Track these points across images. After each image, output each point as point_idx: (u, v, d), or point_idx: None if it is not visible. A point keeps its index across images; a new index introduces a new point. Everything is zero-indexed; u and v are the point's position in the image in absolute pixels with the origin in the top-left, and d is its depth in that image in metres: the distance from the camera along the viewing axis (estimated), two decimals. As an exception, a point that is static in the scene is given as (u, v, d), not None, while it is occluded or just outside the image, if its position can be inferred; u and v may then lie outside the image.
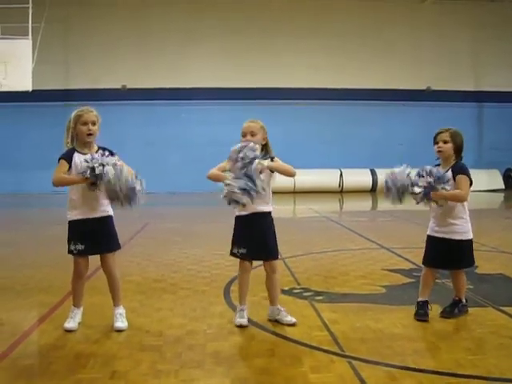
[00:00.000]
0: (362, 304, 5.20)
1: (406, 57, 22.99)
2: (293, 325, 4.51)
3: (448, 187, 4.46)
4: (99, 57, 21.99)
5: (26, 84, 17.76)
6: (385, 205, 18.07)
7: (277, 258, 4.68)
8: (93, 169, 4.18)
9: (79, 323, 4.52)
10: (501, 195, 21.01)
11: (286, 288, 5.71)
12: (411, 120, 22.23)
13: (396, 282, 6.10)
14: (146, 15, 22.29)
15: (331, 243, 9.07)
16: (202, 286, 6.02)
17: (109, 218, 4.55)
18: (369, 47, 22.80)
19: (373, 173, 22.07)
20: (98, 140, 4.54)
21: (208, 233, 10.35)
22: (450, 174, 4.59)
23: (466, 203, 4.65)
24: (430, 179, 4.45)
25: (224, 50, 22.41)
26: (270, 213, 4.62)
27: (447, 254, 4.69)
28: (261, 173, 4.29)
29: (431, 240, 4.76)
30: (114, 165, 4.22)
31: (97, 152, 4.45)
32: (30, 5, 17.71)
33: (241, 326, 4.48)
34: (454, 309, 4.76)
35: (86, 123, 4.41)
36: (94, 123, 4.45)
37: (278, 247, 4.68)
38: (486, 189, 20.82)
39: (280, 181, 4.76)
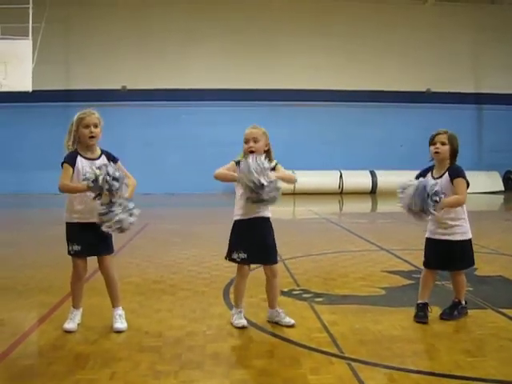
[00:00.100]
0: (362, 306, 5.20)
1: (407, 58, 23.01)
2: (291, 326, 4.51)
3: (442, 195, 4.45)
4: (100, 57, 22.00)
5: (26, 84, 17.78)
6: (385, 206, 18.11)
7: (277, 262, 4.69)
8: (96, 181, 4.17)
9: (79, 324, 4.52)
10: (500, 197, 21.01)
11: (286, 289, 5.72)
12: (411, 122, 22.25)
13: (395, 284, 6.10)
14: (147, 15, 22.30)
15: (331, 245, 9.07)
16: (202, 287, 6.02)
17: None
18: (369, 49, 22.82)
19: (373, 174, 22.08)
20: (99, 143, 4.53)
21: (207, 234, 10.35)
22: (445, 179, 4.60)
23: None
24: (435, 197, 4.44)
25: (224, 51, 22.43)
26: (269, 218, 4.63)
27: (449, 255, 4.69)
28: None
29: (432, 242, 4.75)
30: (120, 180, 4.22)
31: (100, 156, 4.46)
32: (31, 5, 17.73)
33: (242, 327, 4.49)
34: (454, 311, 4.76)
35: (88, 126, 4.41)
36: (96, 126, 4.44)
37: (278, 249, 4.69)
38: (485, 191, 20.84)
39: (279, 182, 4.76)
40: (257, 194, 4.26)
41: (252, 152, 4.47)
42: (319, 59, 22.54)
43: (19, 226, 12.17)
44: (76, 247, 4.44)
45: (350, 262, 7.45)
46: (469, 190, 4.65)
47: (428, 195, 4.36)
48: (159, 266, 7.22)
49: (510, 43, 23.19)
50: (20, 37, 17.62)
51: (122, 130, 19.98)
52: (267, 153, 4.58)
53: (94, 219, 4.38)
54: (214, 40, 22.25)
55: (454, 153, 4.72)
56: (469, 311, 4.86)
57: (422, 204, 4.37)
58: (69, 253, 4.49)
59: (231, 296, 5.34)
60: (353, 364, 3.73)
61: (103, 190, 4.18)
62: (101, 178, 4.16)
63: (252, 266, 4.66)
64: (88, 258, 4.56)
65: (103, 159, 4.49)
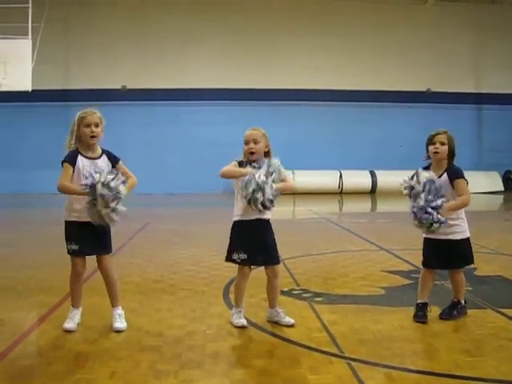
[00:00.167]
0: (362, 305, 5.20)
1: (407, 58, 23.02)
2: (291, 326, 4.52)
3: (444, 198, 4.46)
4: (99, 57, 22.00)
5: (25, 84, 17.77)
6: (384, 206, 18.12)
7: (279, 262, 4.69)
8: (94, 188, 4.18)
9: (78, 324, 4.52)
10: (500, 197, 21.02)
11: (286, 289, 5.72)
12: (411, 121, 22.25)
13: (395, 284, 6.10)
14: (146, 15, 22.30)
15: (331, 244, 9.08)
16: (202, 286, 6.02)
17: None
18: (369, 48, 22.83)
19: (372, 174, 22.08)
20: (100, 142, 4.54)
21: (207, 233, 10.35)
22: (444, 180, 4.60)
23: None
24: (433, 204, 4.46)
25: (224, 51, 22.43)
26: (269, 220, 4.64)
27: (450, 255, 4.71)
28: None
29: (432, 242, 4.74)
30: (113, 189, 4.23)
31: (101, 156, 4.46)
32: (30, 5, 17.72)
33: (242, 327, 4.49)
34: (453, 310, 4.76)
35: (89, 125, 4.41)
36: (97, 125, 4.44)
37: (278, 248, 4.69)
38: (485, 191, 20.84)
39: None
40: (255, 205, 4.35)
41: (252, 153, 4.48)
42: (319, 59, 22.54)
43: (19, 226, 12.17)
44: (74, 246, 4.44)
45: (349, 262, 7.45)
46: (468, 190, 4.67)
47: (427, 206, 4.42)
48: (159, 266, 7.22)
49: (510, 43, 23.20)
50: (19, 36, 17.61)
51: (121, 130, 19.96)
52: (267, 154, 4.58)
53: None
54: (214, 40, 22.25)
55: (451, 153, 4.72)
56: (468, 311, 4.86)
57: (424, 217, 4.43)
58: (68, 252, 4.50)
59: (231, 295, 5.34)
60: (352, 364, 3.73)
61: (97, 197, 4.18)
62: (98, 187, 4.16)
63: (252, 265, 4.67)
64: (88, 258, 4.56)
65: (104, 159, 4.49)
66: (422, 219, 4.46)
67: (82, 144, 4.45)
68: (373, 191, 22.04)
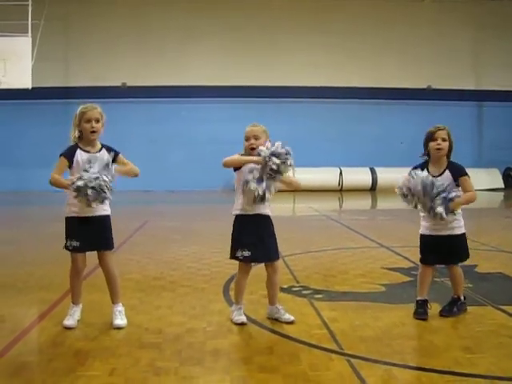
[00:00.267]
0: (362, 302, 5.20)
1: (407, 55, 22.99)
2: (291, 323, 4.51)
3: (458, 192, 4.46)
4: (99, 54, 21.97)
5: (25, 81, 17.76)
6: (384, 203, 18.11)
7: (279, 258, 4.70)
8: (78, 188, 4.21)
9: (78, 320, 4.52)
10: (500, 194, 21.01)
11: (285, 286, 5.72)
12: (411, 118, 22.20)
13: (395, 281, 6.10)
14: (146, 13, 22.27)
15: (331, 242, 9.07)
16: (202, 283, 6.02)
17: (106, 217, 4.56)
18: (369, 46, 22.80)
19: (373, 171, 22.07)
20: (100, 138, 4.54)
21: (207, 231, 10.35)
22: (447, 177, 4.59)
23: None
24: (444, 194, 4.44)
25: (224, 48, 22.40)
26: (269, 216, 4.64)
27: (449, 250, 4.72)
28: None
29: (430, 238, 4.73)
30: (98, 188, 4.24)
31: (100, 150, 4.47)
32: (30, 2, 17.71)
33: (242, 324, 4.49)
34: (453, 307, 4.76)
35: (89, 120, 4.42)
36: (97, 120, 4.45)
37: (278, 245, 4.69)
38: (485, 188, 20.82)
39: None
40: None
41: (253, 149, 4.48)
42: (319, 56, 22.52)
43: (19, 224, 12.17)
44: (75, 243, 4.44)
45: (349, 259, 7.45)
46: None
47: (438, 194, 4.39)
48: (159, 263, 7.22)
49: (510, 40, 23.16)
50: (19, 34, 17.60)
51: (121, 127, 19.92)
52: None
53: (92, 213, 4.42)
54: (214, 37, 22.22)
55: (451, 149, 4.72)
56: (468, 308, 4.86)
57: (430, 204, 4.39)
58: (67, 248, 4.49)
59: (231, 293, 5.34)
60: (352, 360, 3.73)
61: (82, 196, 4.23)
62: (82, 188, 4.20)
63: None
64: (88, 254, 4.56)
65: (104, 152, 4.49)
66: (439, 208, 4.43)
67: (83, 139, 4.46)
68: (373, 188, 22.04)
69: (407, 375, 3.55)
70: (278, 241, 4.67)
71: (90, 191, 4.19)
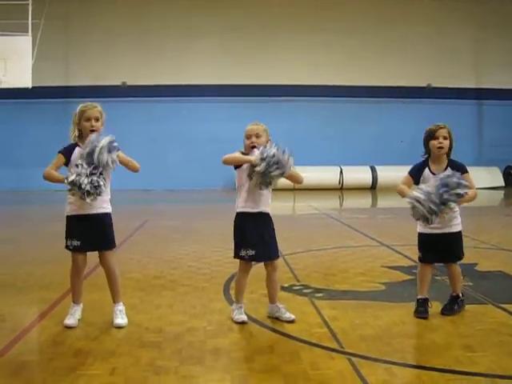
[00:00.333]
0: (362, 301, 5.20)
1: (407, 54, 22.97)
2: (292, 321, 4.51)
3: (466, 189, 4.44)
4: (99, 53, 21.97)
5: (25, 81, 17.76)
6: (385, 202, 18.11)
7: (278, 257, 4.70)
8: (72, 182, 4.22)
9: (79, 320, 4.52)
10: (501, 192, 21.00)
11: (286, 285, 5.72)
12: (412, 117, 22.18)
13: (396, 279, 6.10)
14: (146, 12, 22.26)
15: (331, 240, 9.07)
16: (202, 282, 6.02)
17: (106, 215, 4.55)
18: (369, 44, 22.78)
19: (373, 170, 22.06)
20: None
21: (207, 230, 10.35)
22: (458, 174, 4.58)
23: None
24: (459, 191, 4.41)
25: (224, 47, 22.39)
26: (269, 213, 4.64)
27: (449, 247, 4.74)
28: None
29: (430, 236, 4.72)
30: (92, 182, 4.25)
31: None
32: (30, 1, 17.70)
33: (242, 323, 4.49)
34: (454, 305, 4.76)
35: (89, 119, 4.44)
36: (97, 119, 4.46)
37: (278, 244, 4.69)
38: (486, 186, 20.82)
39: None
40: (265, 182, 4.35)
41: (254, 147, 4.47)
42: (319, 55, 22.50)
43: (19, 223, 12.17)
44: (75, 242, 4.44)
45: (350, 258, 7.45)
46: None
47: (451, 188, 4.36)
48: (159, 262, 7.22)
49: (511, 39, 23.14)
50: (19, 33, 17.60)
51: (121, 126, 19.81)
52: None
53: (92, 210, 4.43)
54: (214, 36, 22.21)
55: (451, 148, 4.72)
56: (469, 306, 4.87)
57: (440, 199, 4.35)
58: (67, 248, 4.49)
59: (232, 291, 5.34)
60: (353, 359, 3.73)
61: (76, 191, 4.25)
62: (76, 182, 4.21)
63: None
64: (89, 253, 4.56)
65: None
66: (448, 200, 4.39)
67: (83, 137, 4.46)
68: (373, 187, 22.03)
69: (408, 374, 3.55)
70: (278, 239, 4.67)
71: (84, 185, 4.19)
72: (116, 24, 22.08)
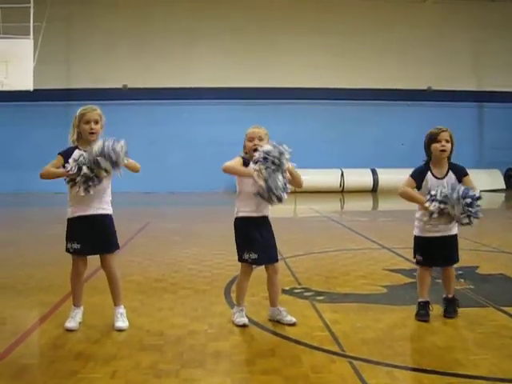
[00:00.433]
0: (363, 304, 5.19)
1: (407, 57, 22.98)
2: (293, 325, 4.51)
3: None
4: (101, 56, 22.00)
5: (27, 83, 17.75)
6: (386, 205, 18.10)
7: (278, 260, 4.69)
8: (79, 168, 4.23)
9: (80, 323, 4.51)
10: (502, 195, 20.99)
11: (287, 288, 5.71)
12: (412, 120, 22.21)
13: (397, 282, 6.09)
14: (148, 14, 22.29)
15: (332, 243, 9.07)
16: (203, 285, 6.02)
17: (107, 216, 4.55)
18: (370, 47, 22.79)
19: (374, 173, 22.06)
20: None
21: (208, 232, 10.35)
22: (451, 178, 4.58)
23: None
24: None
25: (225, 50, 22.41)
26: (268, 217, 4.65)
27: (449, 250, 4.75)
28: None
29: (432, 240, 4.71)
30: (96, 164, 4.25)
31: None
32: (32, 4, 17.70)
33: (243, 326, 4.48)
34: (455, 307, 4.77)
35: (88, 122, 4.44)
36: (96, 122, 4.46)
37: (279, 247, 4.71)
38: (486, 189, 20.78)
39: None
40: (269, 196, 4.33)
41: (256, 150, 4.47)
42: (319, 57, 22.53)
43: (19, 225, 12.17)
44: (76, 245, 4.43)
45: (351, 261, 7.44)
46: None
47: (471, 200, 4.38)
48: (160, 265, 7.22)
49: (511, 41, 23.15)
50: (21, 36, 17.60)
51: (122, 129, 19.74)
52: None
53: (92, 211, 4.43)
54: (215, 39, 22.24)
55: (451, 151, 4.71)
56: (470, 309, 4.88)
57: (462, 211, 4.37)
58: (68, 250, 4.49)
59: (233, 294, 5.34)
60: (354, 362, 3.72)
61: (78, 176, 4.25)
62: (84, 169, 4.22)
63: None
64: (90, 256, 4.55)
65: None
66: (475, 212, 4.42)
67: (82, 140, 4.47)
68: (374, 190, 22.02)
69: (409, 377, 3.54)
70: (279, 242, 4.68)
71: (86, 171, 4.21)
72: (117, 27, 22.12)
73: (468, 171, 4.70)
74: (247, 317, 4.60)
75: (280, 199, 4.34)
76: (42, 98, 20.48)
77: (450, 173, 4.63)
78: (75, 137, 4.47)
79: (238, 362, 3.85)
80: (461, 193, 4.39)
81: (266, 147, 4.33)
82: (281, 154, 4.31)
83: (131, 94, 22.11)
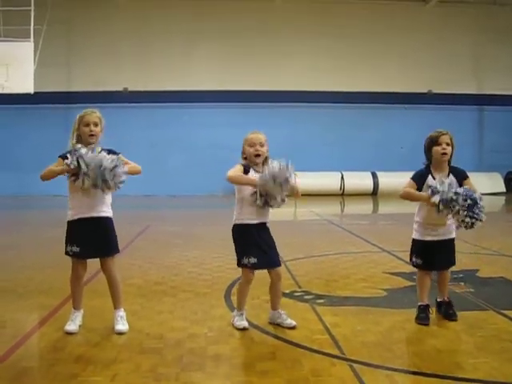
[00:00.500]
0: (363, 307, 5.19)
1: (408, 60, 23.00)
2: (293, 328, 4.51)
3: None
4: (101, 59, 22.02)
5: (27, 86, 17.78)
6: (386, 208, 18.10)
7: (280, 265, 4.68)
8: (77, 161, 4.21)
9: (80, 326, 4.51)
10: (502, 198, 20.99)
11: (287, 291, 5.70)
12: (412, 123, 22.21)
13: (397, 285, 6.09)
14: (148, 17, 22.33)
15: (332, 246, 9.06)
16: (203, 288, 6.01)
17: (107, 219, 4.54)
18: (370, 50, 22.81)
19: (374, 176, 22.06)
20: (101, 142, 4.54)
21: (208, 235, 10.34)
22: (452, 181, 4.58)
23: None
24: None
25: (226, 53, 22.43)
26: (267, 222, 4.65)
27: (448, 253, 4.77)
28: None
29: (430, 244, 4.72)
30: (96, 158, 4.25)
31: (100, 153, 4.47)
32: (32, 7, 17.73)
33: (243, 329, 4.48)
34: (453, 309, 4.77)
35: (88, 124, 4.44)
36: (96, 124, 4.47)
37: (279, 250, 4.69)
38: (487, 192, 20.76)
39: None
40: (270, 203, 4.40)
41: (258, 156, 4.47)
42: (319, 61, 22.54)
43: (19, 228, 12.16)
44: (75, 248, 4.43)
45: (351, 264, 7.44)
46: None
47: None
48: (161, 268, 7.22)
49: (511, 45, 23.17)
50: (21, 39, 17.63)
51: (123, 132, 19.92)
52: (266, 159, 4.58)
53: (92, 214, 4.42)
54: (215, 42, 22.27)
55: (451, 154, 4.72)
56: (470, 312, 4.88)
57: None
58: (67, 253, 4.49)
59: (233, 297, 5.34)
60: (354, 366, 3.72)
61: (81, 171, 4.22)
62: (82, 161, 4.21)
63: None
64: (90, 259, 4.55)
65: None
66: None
67: (83, 143, 4.46)
68: (374, 193, 22.03)
69: (409, 380, 3.54)
70: (279, 245, 4.68)
71: (84, 165, 4.20)
72: (118, 29, 22.15)
73: (469, 175, 4.70)
74: (247, 320, 4.59)
75: (277, 207, 4.43)
76: (43, 100, 20.50)
77: (451, 176, 4.64)
78: (75, 140, 4.47)
79: (238, 365, 3.85)
80: (461, 191, 4.40)
81: (273, 170, 4.32)
82: (286, 180, 4.33)
83: (132, 96, 22.12)
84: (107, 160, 4.25)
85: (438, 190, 4.43)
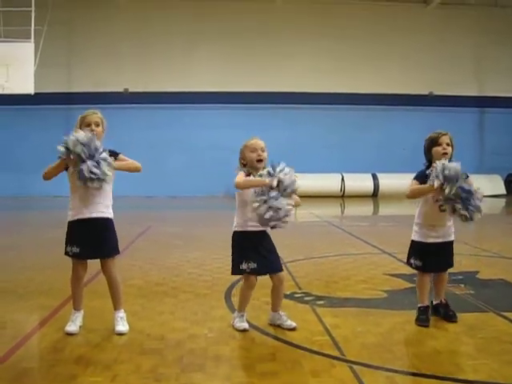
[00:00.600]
0: (364, 309, 5.19)
1: (409, 62, 23.03)
2: (293, 329, 4.50)
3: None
4: (101, 60, 22.05)
5: (28, 87, 17.79)
6: (386, 209, 18.10)
7: (282, 269, 4.66)
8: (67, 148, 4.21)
9: (80, 326, 4.51)
10: (502, 200, 20.99)
11: (287, 292, 5.69)
12: (413, 125, 22.19)
13: (397, 287, 6.09)
14: (149, 18, 22.35)
15: (332, 248, 9.06)
16: (204, 289, 6.01)
17: (107, 220, 4.54)
18: (371, 52, 22.84)
19: (375, 177, 22.07)
20: (102, 143, 4.54)
21: (209, 236, 10.34)
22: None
23: None
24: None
25: (226, 54, 22.45)
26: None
27: (448, 255, 4.76)
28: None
29: (431, 246, 4.71)
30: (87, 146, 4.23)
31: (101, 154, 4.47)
32: (33, 8, 17.76)
33: (244, 330, 4.48)
34: (452, 310, 4.77)
35: (89, 124, 4.45)
36: (97, 124, 4.48)
37: (279, 252, 4.68)
38: (487, 194, 20.70)
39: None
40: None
41: (260, 161, 4.46)
42: (320, 62, 22.57)
43: (19, 229, 12.16)
44: (75, 249, 4.43)
45: (351, 265, 7.44)
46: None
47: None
48: (161, 269, 7.22)
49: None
50: (22, 39, 17.66)
51: (123, 133, 19.94)
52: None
53: (92, 215, 4.42)
54: (216, 43, 22.30)
55: (452, 154, 4.72)
56: (471, 314, 4.88)
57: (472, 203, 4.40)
58: (67, 254, 4.48)
59: (233, 298, 5.34)
60: (355, 367, 3.72)
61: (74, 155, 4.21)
62: (72, 147, 4.18)
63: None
64: (90, 260, 4.55)
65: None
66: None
67: None
68: (375, 194, 22.03)
69: (409, 382, 3.54)
70: (279, 247, 4.67)
71: (80, 148, 4.17)
72: (118, 30, 22.18)
73: (469, 175, 4.70)
74: (247, 321, 4.59)
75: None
76: (43, 101, 20.52)
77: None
78: None
79: (238, 366, 3.85)
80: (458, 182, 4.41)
81: (283, 177, 4.32)
82: (293, 190, 4.40)
83: (132, 97, 22.14)
84: (82, 136, 4.24)
85: (437, 171, 4.43)
